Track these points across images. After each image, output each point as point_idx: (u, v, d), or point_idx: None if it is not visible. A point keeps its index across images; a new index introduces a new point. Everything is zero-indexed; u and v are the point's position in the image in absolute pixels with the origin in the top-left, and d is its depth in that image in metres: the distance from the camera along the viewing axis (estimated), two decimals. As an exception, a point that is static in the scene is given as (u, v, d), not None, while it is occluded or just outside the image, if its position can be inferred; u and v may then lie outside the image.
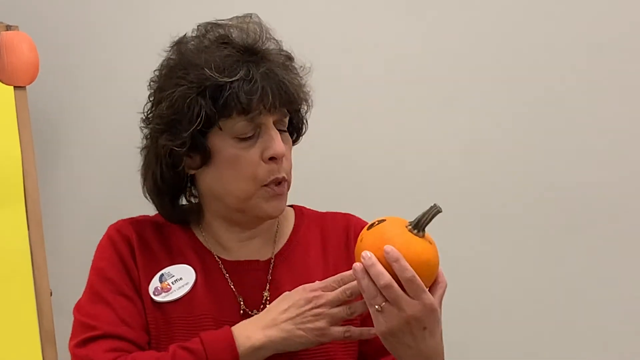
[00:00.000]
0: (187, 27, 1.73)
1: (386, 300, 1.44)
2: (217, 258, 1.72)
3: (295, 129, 1.75)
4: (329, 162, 2.35)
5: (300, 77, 1.69)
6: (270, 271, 1.71)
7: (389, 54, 2.37)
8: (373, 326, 1.51)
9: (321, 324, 1.53)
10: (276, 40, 1.70)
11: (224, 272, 1.71)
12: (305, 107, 1.74)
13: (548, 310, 2.40)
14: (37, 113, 2.32)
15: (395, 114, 2.38)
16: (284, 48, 1.70)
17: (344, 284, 1.54)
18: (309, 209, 1.82)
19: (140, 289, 1.67)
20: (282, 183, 1.65)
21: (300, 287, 1.57)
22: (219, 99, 1.59)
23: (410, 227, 1.47)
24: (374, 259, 1.43)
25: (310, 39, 2.14)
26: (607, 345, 2.39)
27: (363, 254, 1.44)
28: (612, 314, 2.39)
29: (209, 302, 1.66)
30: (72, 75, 2.39)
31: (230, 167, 1.63)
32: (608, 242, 2.39)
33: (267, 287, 1.68)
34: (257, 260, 1.72)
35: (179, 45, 1.67)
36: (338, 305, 1.54)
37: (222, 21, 1.69)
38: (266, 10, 1.73)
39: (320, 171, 2.33)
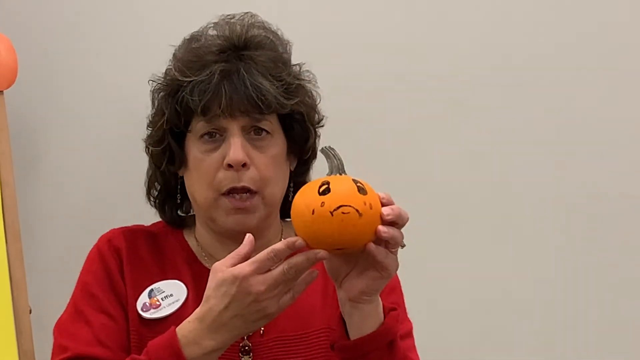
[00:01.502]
0: (170, 28, 1.76)
1: None
2: None
3: (300, 139, 1.69)
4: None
5: (294, 81, 1.65)
6: None
7: (394, 54, 2.36)
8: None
9: (270, 310, 1.45)
10: (273, 41, 1.67)
11: None
12: (316, 117, 1.70)
13: (563, 313, 2.38)
14: (16, 118, 2.29)
15: (402, 116, 2.37)
16: (286, 50, 1.69)
17: (279, 259, 1.44)
18: None
19: (126, 305, 1.64)
20: (248, 195, 1.60)
21: (229, 273, 1.44)
22: (179, 99, 1.62)
23: (344, 174, 1.46)
24: (394, 206, 1.42)
25: (312, 39, 2.18)
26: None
27: (384, 210, 1.40)
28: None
29: None
30: (52, 78, 2.37)
31: (195, 170, 1.63)
32: (621, 245, 2.37)
33: None
34: None
35: (182, 43, 1.70)
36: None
37: (226, 18, 1.68)
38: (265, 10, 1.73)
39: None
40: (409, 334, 1.64)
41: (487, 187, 2.36)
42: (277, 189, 1.65)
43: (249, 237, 1.46)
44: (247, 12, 1.69)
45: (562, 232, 2.37)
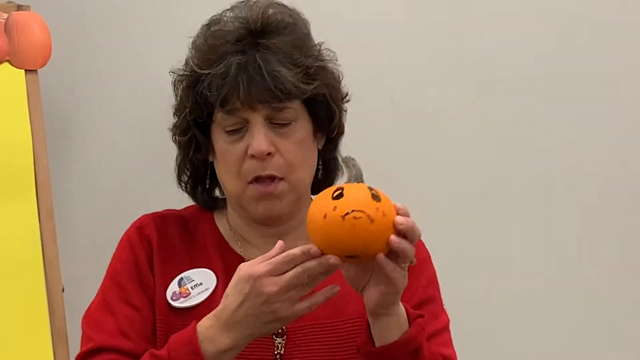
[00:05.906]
0: (210, 9, 1.71)
1: None
2: (243, 261, 1.65)
3: (325, 119, 1.67)
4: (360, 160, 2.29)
5: (313, 64, 1.62)
6: None
7: (423, 46, 2.38)
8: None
9: (282, 313, 1.46)
10: (292, 23, 1.64)
11: None
12: (340, 95, 1.67)
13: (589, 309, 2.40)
14: (49, 98, 2.29)
15: (429, 109, 2.38)
16: (306, 29, 1.66)
17: (294, 264, 1.44)
18: None
19: (154, 296, 1.64)
20: (273, 181, 1.60)
21: (244, 272, 1.46)
22: (199, 92, 1.61)
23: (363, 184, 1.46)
24: (409, 218, 1.42)
25: (340, 30, 2.21)
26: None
27: (397, 219, 1.40)
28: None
29: None
30: (86, 58, 2.38)
31: (222, 160, 1.64)
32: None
33: None
34: None
35: (201, 30, 1.67)
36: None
37: (240, 4, 1.66)
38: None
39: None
40: (444, 329, 1.63)
41: (512, 179, 2.36)
42: (305, 172, 1.64)
43: (280, 243, 1.47)
44: None
45: (583, 226, 2.37)
